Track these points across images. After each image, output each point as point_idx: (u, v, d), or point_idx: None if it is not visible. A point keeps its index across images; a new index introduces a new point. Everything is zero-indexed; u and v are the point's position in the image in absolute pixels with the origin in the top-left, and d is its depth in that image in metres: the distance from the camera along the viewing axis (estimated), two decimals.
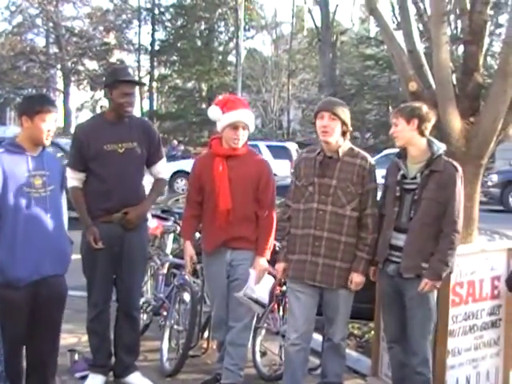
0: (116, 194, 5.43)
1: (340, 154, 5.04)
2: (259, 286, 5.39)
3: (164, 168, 5.84)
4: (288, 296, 5.38)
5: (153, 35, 46.47)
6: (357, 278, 5.01)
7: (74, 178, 5.46)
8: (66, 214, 5.02)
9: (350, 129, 5.15)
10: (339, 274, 5.02)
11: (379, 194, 5.20)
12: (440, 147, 4.90)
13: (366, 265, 5.04)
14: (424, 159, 4.85)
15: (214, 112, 5.40)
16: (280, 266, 5.24)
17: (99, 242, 5.40)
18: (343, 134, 5.08)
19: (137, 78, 6.13)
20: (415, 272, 4.78)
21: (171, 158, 25.99)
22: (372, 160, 5.20)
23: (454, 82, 6.01)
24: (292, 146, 24.30)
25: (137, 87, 5.91)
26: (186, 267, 5.59)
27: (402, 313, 4.96)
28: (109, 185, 5.42)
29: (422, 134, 4.85)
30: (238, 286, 5.39)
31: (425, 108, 4.90)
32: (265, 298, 5.47)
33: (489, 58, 28.60)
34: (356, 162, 5.04)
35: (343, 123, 5.04)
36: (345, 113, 5.06)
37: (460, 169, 4.86)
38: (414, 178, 4.87)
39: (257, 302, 5.40)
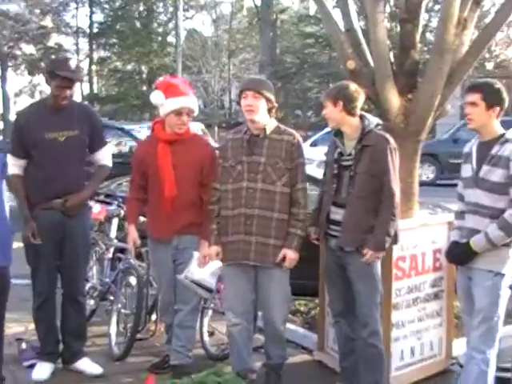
0: (56, 182, 5.38)
1: (267, 132, 5.07)
2: (204, 270, 5.38)
3: (107, 154, 5.79)
4: (223, 279, 5.40)
5: (91, 17, 45.80)
6: (290, 255, 5.02)
7: (14, 165, 5.39)
8: (6, 203, 4.98)
9: (275, 105, 5.17)
10: (274, 252, 5.02)
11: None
12: (372, 122, 4.95)
13: (299, 241, 5.06)
14: (357, 135, 4.92)
15: (156, 97, 5.36)
16: (212, 249, 5.21)
17: (38, 238, 5.35)
18: (269, 111, 5.11)
19: (74, 66, 5.88)
20: (355, 245, 4.85)
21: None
22: (298, 136, 5.25)
23: (392, 60, 6.07)
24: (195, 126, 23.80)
25: None
26: (130, 251, 5.57)
27: (346, 287, 5.03)
28: (49, 173, 5.37)
29: (350, 113, 4.90)
30: (179, 271, 5.40)
31: (352, 87, 4.93)
32: (210, 282, 5.45)
33: (428, 34, 28.94)
34: (283, 139, 5.07)
35: (267, 100, 5.05)
36: (268, 90, 5.07)
37: (392, 141, 4.93)
38: (350, 154, 4.93)
39: (200, 285, 5.39)
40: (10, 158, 5.32)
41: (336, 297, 5.21)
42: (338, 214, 4.95)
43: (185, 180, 5.33)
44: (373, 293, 4.95)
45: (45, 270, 5.50)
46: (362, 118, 4.95)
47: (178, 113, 5.31)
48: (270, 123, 5.11)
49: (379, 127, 5.01)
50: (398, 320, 5.48)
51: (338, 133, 5.04)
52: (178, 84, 5.50)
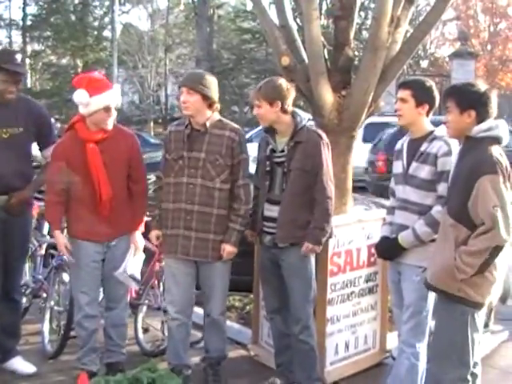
0: (1, 179, 5.23)
1: (208, 127, 5.05)
2: (135, 262, 5.35)
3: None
4: (164, 272, 5.41)
5: (24, 9, 44.97)
6: (229, 249, 5.05)
7: None
8: None
9: (215, 100, 5.10)
10: (213, 247, 5.05)
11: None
12: (303, 118, 5.00)
13: (239, 236, 5.09)
14: (290, 131, 4.96)
15: (81, 96, 5.07)
16: (153, 233, 5.25)
17: None
18: (209, 106, 5.07)
19: (20, 59, 5.68)
20: (289, 241, 4.91)
21: None
22: (242, 132, 5.25)
23: (326, 56, 6.11)
24: None
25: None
26: (66, 255, 5.28)
27: (280, 283, 5.07)
28: None
29: (285, 112, 4.95)
30: (114, 269, 5.29)
31: (284, 85, 4.96)
32: (138, 274, 5.43)
33: (364, 32, 29.24)
34: (225, 134, 5.06)
35: (204, 97, 5.00)
36: (205, 86, 5.01)
37: (324, 136, 5.01)
38: (283, 150, 4.96)
39: (132, 277, 5.36)
40: None
41: (270, 293, 5.26)
42: (271, 210, 4.99)
43: (117, 178, 5.22)
44: (306, 289, 5.00)
45: None
46: (293, 114, 4.98)
47: (108, 109, 5.14)
48: (211, 118, 5.08)
49: (312, 123, 5.05)
50: (332, 315, 5.54)
51: (269, 129, 5.06)
52: (100, 79, 5.33)
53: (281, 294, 5.13)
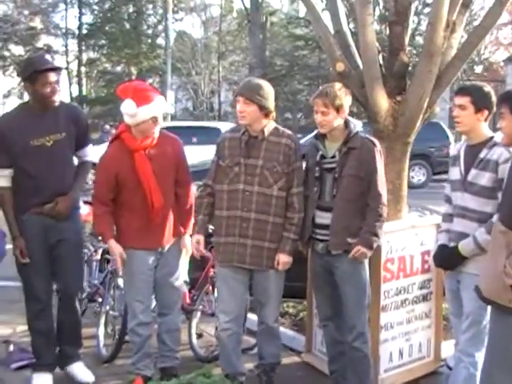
0: (47, 188, 5.26)
1: (265, 134, 5.03)
2: (184, 265, 5.40)
3: (90, 151, 5.62)
4: (217, 280, 5.37)
5: (80, 19, 45.73)
6: (284, 259, 5.03)
7: (0, 176, 5.26)
8: None
9: (271, 110, 5.06)
10: (268, 255, 5.03)
11: None
12: (356, 125, 4.97)
13: (293, 245, 5.06)
14: (341, 138, 4.92)
15: (129, 107, 5.04)
16: (194, 238, 5.20)
17: (26, 256, 5.25)
18: (266, 115, 5.04)
19: (57, 63, 5.71)
20: (343, 248, 4.86)
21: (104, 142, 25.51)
22: (297, 139, 5.21)
23: (381, 62, 6.08)
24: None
25: (63, 72, 5.70)
26: (118, 265, 5.23)
27: (334, 291, 5.04)
28: (38, 180, 5.24)
29: (342, 117, 4.92)
30: (168, 275, 5.33)
31: (344, 90, 4.94)
32: (186, 275, 5.48)
33: (418, 37, 29.02)
34: (282, 141, 5.03)
35: (260, 106, 4.96)
36: (262, 96, 4.97)
37: (378, 143, 4.97)
38: (333, 156, 4.92)
39: (185, 281, 5.41)
40: None
41: (323, 301, 5.23)
42: (323, 217, 4.95)
43: (166, 184, 5.23)
44: (360, 296, 4.96)
45: (39, 277, 5.36)
46: (345, 121, 4.95)
47: (155, 119, 5.11)
48: (268, 125, 5.06)
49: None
50: (386, 322, 5.49)
51: (319, 135, 5.04)
52: (146, 88, 5.32)
53: (334, 302, 5.10)
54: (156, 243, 5.29)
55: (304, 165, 5.14)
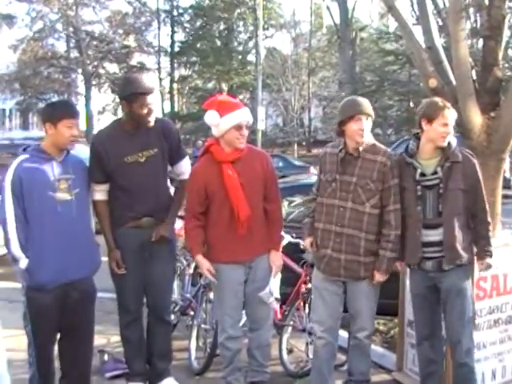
0: (142, 203, 5.37)
1: (361, 151, 5.04)
2: (273, 281, 5.41)
3: (187, 168, 5.66)
4: (312, 291, 5.43)
5: (172, 37, 46.69)
6: (379, 278, 5.04)
7: (97, 191, 5.38)
8: (92, 217, 5.11)
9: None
10: (365, 268, 5.04)
11: None
12: (454, 139, 4.93)
13: (389, 263, 5.04)
14: (438, 154, 4.89)
15: (212, 117, 5.17)
16: (307, 240, 5.30)
17: (122, 267, 5.38)
18: None
19: (154, 80, 5.90)
20: (458, 262, 4.84)
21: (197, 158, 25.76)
22: (393, 156, 5.17)
23: (474, 78, 6.02)
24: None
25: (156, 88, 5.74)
26: (211, 279, 5.30)
27: (434, 310, 5.01)
28: (133, 195, 5.36)
29: None
30: (257, 290, 5.34)
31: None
32: (277, 292, 5.50)
33: (510, 51, 28.42)
34: (377, 159, 5.03)
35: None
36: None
37: (474, 157, 4.96)
38: (434, 173, 4.89)
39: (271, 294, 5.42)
40: (91, 184, 5.27)
41: (423, 320, 5.16)
42: (429, 235, 4.91)
43: (253, 197, 5.26)
44: (466, 309, 4.92)
45: (132, 288, 5.48)
46: None
47: (239, 127, 5.18)
48: (365, 142, 5.08)
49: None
50: (479, 341, 5.39)
51: (411, 154, 5.01)
52: (229, 99, 5.39)
53: (433, 321, 5.07)
54: (243, 256, 5.32)
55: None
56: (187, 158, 5.74)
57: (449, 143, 4.88)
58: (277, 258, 5.41)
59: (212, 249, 5.34)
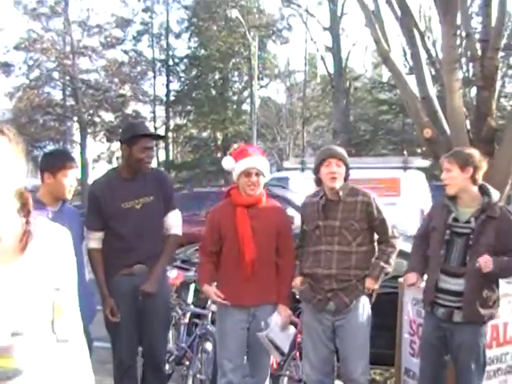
0: (137, 250, 5.37)
1: (341, 196, 5.16)
2: (282, 334, 5.37)
3: (176, 221, 5.68)
4: (303, 333, 5.47)
5: (167, 86, 47.00)
6: (369, 283, 5.12)
7: (92, 239, 5.42)
8: (87, 266, 5.09)
9: (349, 173, 5.27)
10: (356, 295, 5.14)
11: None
12: (496, 193, 4.89)
13: (381, 272, 5.12)
14: (476, 204, 4.84)
15: (227, 162, 5.41)
16: (297, 279, 5.34)
17: (116, 315, 5.35)
18: (345, 178, 5.24)
19: (152, 130, 6.08)
20: (475, 319, 4.80)
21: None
22: (373, 194, 5.29)
23: (468, 127, 6.07)
24: None
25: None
26: (207, 316, 5.44)
27: (441, 360, 4.96)
28: (128, 242, 5.37)
29: (474, 182, 4.84)
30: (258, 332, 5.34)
31: (478, 155, 4.88)
32: (285, 347, 5.44)
33: (502, 99, 28.69)
34: (358, 200, 5.16)
35: (346, 167, 5.22)
36: (347, 158, 5.24)
37: None
38: (467, 221, 4.84)
39: (277, 348, 5.38)
40: (86, 233, 5.32)
41: (428, 369, 5.10)
42: (448, 283, 4.88)
43: (263, 244, 5.31)
44: (477, 365, 4.85)
45: (126, 337, 5.44)
46: (483, 188, 4.89)
47: (247, 173, 5.30)
48: (344, 187, 5.21)
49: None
50: None
51: (451, 197, 4.97)
52: (248, 148, 5.56)
53: (437, 371, 5.02)
54: (247, 301, 5.33)
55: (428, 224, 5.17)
56: (177, 211, 5.74)
57: (488, 195, 4.84)
58: (284, 310, 5.39)
59: (220, 290, 5.35)
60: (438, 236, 4.95)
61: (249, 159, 5.34)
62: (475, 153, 4.89)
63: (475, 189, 4.87)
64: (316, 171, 5.26)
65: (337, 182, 5.14)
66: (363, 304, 5.14)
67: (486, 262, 4.63)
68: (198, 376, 6.28)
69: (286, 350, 5.47)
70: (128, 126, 5.87)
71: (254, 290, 5.30)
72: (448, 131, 6.10)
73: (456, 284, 4.82)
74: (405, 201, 13.52)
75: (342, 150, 5.27)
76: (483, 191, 4.87)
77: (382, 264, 5.11)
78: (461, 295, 4.79)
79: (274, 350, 5.40)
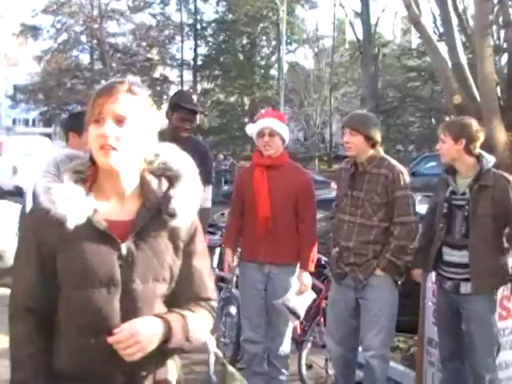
0: None
1: (366, 166, 5.04)
2: (298, 298, 5.38)
3: (209, 195, 5.81)
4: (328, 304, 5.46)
5: (195, 50, 46.96)
6: (378, 273, 4.97)
7: None
8: None
9: (377, 140, 5.06)
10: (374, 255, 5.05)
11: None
12: (489, 161, 4.78)
13: (388, 264, 4.95)
14: (472, 174, 4.77)
15: (248, 128, 5.56)
16: (333, 250, 5.26)
17: None
18: (372, 146, 5.05)
19: (196, 100, 6.10)
20: (486, 290, 4.75)
21: (218, 172, 25.82)
22: (401, 168, 5.11)
23: (499, 95, 5.99)
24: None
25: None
26: (231, 280, 5.54)
27: (458, 331, 4.92)
28: None
29: (469, 153, 4.75)
30: (276, 297, 5.36)
31: (474, 126, 4.78)
32: (301, 310, 5.44)
33: None
34: (381, 172, 5.00)
35: (366, 137, 4.99)
36: (368, 127, 5.02)
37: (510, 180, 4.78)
38: (464, 193, 4.78)
39: (292, 312, 5.38)
40: None
41: (446, 341, 5.07)
42: (452, 255, 4.83)
43: (280, 204, 5.32)
44: (489, 339, 4.81)
45: None
46: (478, 157, 4.79)
47: (261, 134, 5.37)
48: (371, 157, 5.06)
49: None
50: (501, 361, 5.31)
51: (449, 170, 4.92)
52: (266, 112, 5.68)
53: (456, 342, 4.98)
54: (260, 255, 5.37)
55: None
56: (211, 187, 5.88)
57: (482, 163, 4.77)
58: (305, 278, 5.38)
59: (242, 247, 5.63)
60: (438, 209, 4.93)
61: (262, 120, 5.43)
62: (471, 123, 4.79)
63: (470, 159, 4.77)
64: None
65: (351, 151, 5.03)
66: (383, 281, 5.04)
67: None
68: (221, 339, 6.30)
69: (301, 313, 5.47)
70: (177, 94, 6.17)
71: (267, 246, 5.31)
72: (478, 98, 6.02)
73: (460, 256, 4.77)
74: None
75: (359, 119, 5.13)
76: (478, 160, 4.78)
77: (387, 256, 4.96)
78: (466, 267, 4.74)
79: (290, 314, 5.41)
